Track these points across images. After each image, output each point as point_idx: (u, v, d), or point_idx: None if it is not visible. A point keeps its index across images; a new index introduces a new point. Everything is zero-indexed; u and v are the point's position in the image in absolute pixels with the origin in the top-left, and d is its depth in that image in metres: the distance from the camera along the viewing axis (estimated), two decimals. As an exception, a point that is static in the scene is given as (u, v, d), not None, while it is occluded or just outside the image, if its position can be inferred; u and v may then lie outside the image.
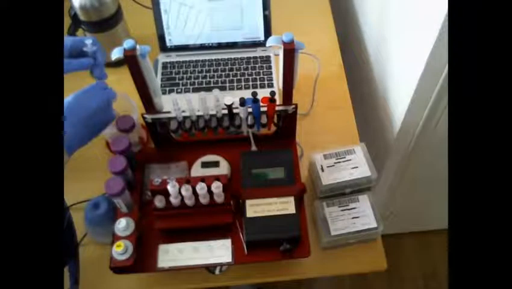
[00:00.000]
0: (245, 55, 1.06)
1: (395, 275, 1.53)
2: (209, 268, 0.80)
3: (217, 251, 0.74)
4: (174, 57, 1.06)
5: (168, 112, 0.80)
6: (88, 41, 0.74)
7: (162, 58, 1.06)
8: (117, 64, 1.06)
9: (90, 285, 0.79)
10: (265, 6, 1.02)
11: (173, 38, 1.05)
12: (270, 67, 1.04)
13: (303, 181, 0.81)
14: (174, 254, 0.74)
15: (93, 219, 0.80)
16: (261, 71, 1.04)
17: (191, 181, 0.74)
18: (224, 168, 0.83)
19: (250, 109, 0.80)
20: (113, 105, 0.75)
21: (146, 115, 0.80)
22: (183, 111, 0.79)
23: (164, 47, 1.06)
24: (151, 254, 0.74)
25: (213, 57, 1.06)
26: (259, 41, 1.06)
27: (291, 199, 0.76)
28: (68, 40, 0.74)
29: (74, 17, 0.98)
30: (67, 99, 0.70)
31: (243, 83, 1.02)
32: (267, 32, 1.05)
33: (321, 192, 0.82)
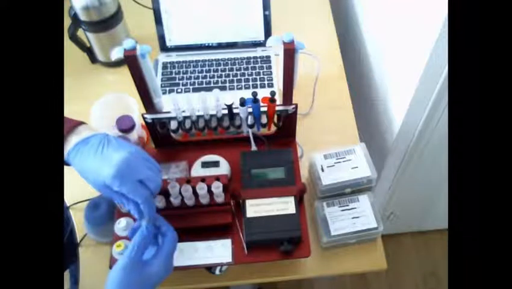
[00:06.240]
0: (245, 55, 1.06)
1: (395, 275, 1.53)
2: (209, 268, 0.80)
3: (217, 251, 0.74)
4: (174, 57, 1.06)
5: (168, 112, 0.80)
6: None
7: (162, 58, 1.06)
8: (117, 64, 1.07)
9: (89, 284, 0.79)
10: (265, 6, 1.02)
11: (173, 38, 1.05)
12: (270, 67, 1.04)
13: (303, 181, 0.81)
14: (174, 254, 0.73)
15: (93, 219, 0.80)
16: (261, 71, 1.04)
17: (191, 181, 0.74)
18: (224, 168, 0.83)
19: (250, 109, 0.80)
20: (113, 106, 0.75)
21: (146, 115, 0.80)
22: (183, 111, 0.79)
23: (164, 47, 1.06)
24: (151, 254, 0.74)
25: (213, 57, 1.06)
26: (259, 41, 1.06)
27: (291, 199, 0.76)
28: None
29: (75, 17, 0.98)
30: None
31: (243, 83, 1.02)
32: (267, 32, 1.05)
33: (321, 192, 0.82)
